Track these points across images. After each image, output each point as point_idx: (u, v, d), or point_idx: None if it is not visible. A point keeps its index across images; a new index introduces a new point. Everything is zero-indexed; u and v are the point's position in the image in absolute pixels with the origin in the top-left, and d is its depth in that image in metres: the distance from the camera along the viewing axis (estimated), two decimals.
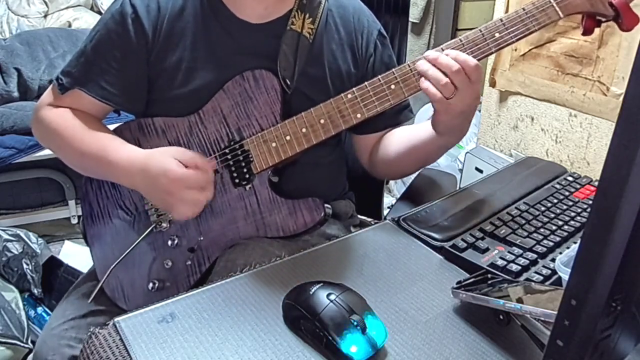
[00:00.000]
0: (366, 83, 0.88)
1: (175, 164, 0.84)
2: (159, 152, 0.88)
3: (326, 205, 0.92)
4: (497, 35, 0.86)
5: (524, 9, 0.86)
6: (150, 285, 0.94)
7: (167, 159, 0.85)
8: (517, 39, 0.86)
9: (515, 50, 1.69)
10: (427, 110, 2.72)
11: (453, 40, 0.87)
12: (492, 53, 0.87)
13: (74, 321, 0.92)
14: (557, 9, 0.86)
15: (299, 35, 0.96)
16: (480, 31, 0.86)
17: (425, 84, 0.84)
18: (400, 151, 1.01)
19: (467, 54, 0.85)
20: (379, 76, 0.88)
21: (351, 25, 1.02)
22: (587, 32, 0.89)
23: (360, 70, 1.02)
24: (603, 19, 0.88)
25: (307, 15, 0.97)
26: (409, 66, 0.87)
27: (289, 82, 0.94)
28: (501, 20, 0.86)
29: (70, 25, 2.63)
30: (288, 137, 0.91)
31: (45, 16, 2.68)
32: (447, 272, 0.80)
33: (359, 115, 0.89)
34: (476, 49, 0.86)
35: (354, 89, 0.88)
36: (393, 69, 0.88)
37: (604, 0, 0.86)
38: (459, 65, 0.81)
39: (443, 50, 0.85)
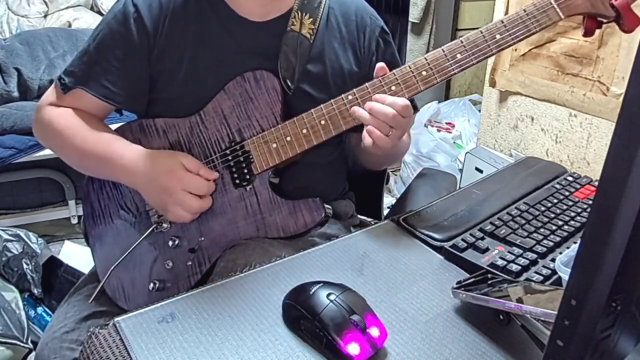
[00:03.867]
0: (367, 84, 0.88)
1: (181, 166, 0.88)
2: (166, 153, 0.91)
3: (326, 205, 0.92)
4: (497, 36, 0.86)
5: (524, 10, 0.86)
6: (151, 285, 0.94)
7: (174, 159, 0.88)
8: (518, 40, 0.86)
9: (515, 50, 1.69)
10: (426, 110, 2.72)
11: (454, 42, 0.87)
12: (492, 54, 0.87)
13: (75, 323, 0.92)
14: (558, 9, 0.86)
15: (300, 35, 0.96)
16: (481, 32, 0.86)
17: (373, 132, 0.85)
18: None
19: (468, 55, 0.86)
20: (379, 77, 0.88)
21: (353, 24, 1.02)
22: (588, 33, 0.89)
23: (363, 70, 1.02)
24: (604, 20, 0.88)
25: (308, 15, 0.97)
26: (410, 67, 0.87)
27: (289, 83, 0.94)
28: (502, 21, 0.86)
29: (70, 25, 2.63)
30: (289, 138, 0.91)
31: (45, 16, 2.68)
32: (447, 272, 0.80)
33: None
34: (477, 50, 0.86)
35: (354, 90, 0.88)
36: (394, 70, 0.88)
37: (605, 1, 0.86)
38: (394, 111, 0.84)
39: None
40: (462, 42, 0.86)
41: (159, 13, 0.94)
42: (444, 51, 0.87)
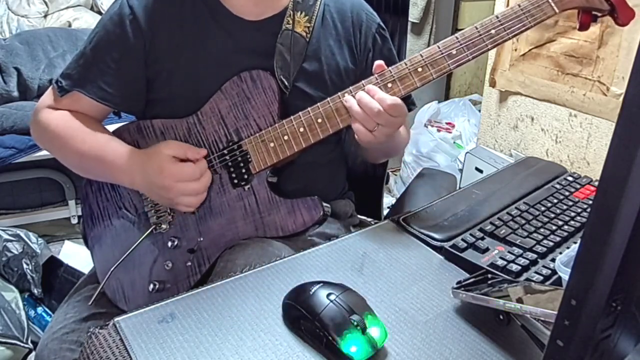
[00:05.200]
0: (363, 81, 0.88)
1: (170, 160, 0.88)
2: (154, 152, 0.90)
3: (325, 204, 0.92)
4: (492, 31, 0.86)
5: (519, 5, 0.86)
6: (151, 286, 0.94)
7: (161, 157, 0.88)
8: (513, 36, 0.86)
9: (515, 50, 1.69)
10: (426, 110, 2.72)
11: (449, 38, 0.87)
12: (488, 50, 0.87)
13: (75, 324, 0.92)
14: (552, 4, 0.85)
15: (295, 34, 0.96)
16: (476, 28, 0.86)
17: (355, 125, 0.86)
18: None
19: (463, 50, 0.85)
20: (375, 74, 0.88)
21: (349, 21, 1.02)
22: (582, 27, 0.89)
23: (359, 67, 1.02)
24: (599, 14, 0.87)
25: (304, 14, 0.97)
26: (406, 64, 0.87)
27: (286, 82, 0.94)
28: (497, 17, 0.86)
29: (70, 25, 2.63)
30: (286, 137, 0.91)
31: (45, 16, 2.68)
32: (447, 272, 0.80)
33: None
34: (472, 45, 0.86)
35: (350, 87, 0.88)
36: (390, 68, 0.87)
37: None
38: (380, 107, 0.82)
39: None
40: (457, 38, 0.86)
41: (154, 14, 0.94)
42: (439, 47, 0.87)
